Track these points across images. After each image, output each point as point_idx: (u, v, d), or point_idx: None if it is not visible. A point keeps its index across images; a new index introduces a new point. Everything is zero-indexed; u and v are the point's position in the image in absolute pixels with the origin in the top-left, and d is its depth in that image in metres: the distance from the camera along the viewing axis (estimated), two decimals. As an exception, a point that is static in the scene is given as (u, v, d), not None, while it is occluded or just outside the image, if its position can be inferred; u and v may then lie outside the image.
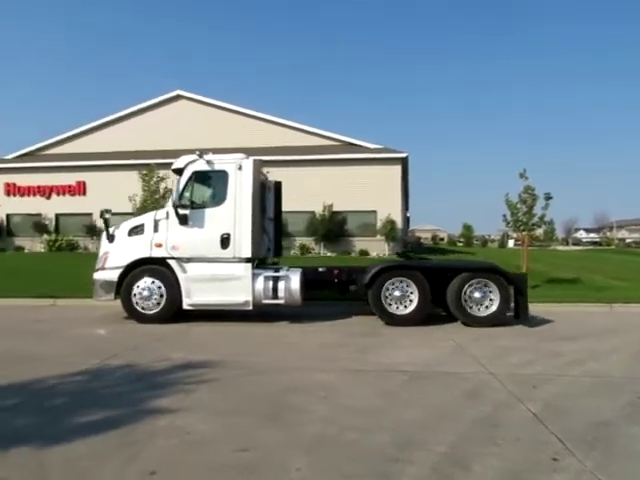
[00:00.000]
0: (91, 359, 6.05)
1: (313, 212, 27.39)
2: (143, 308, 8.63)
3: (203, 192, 9.02)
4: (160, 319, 8.52)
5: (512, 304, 8.57)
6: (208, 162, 8.72)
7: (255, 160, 8.85)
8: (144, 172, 18.11)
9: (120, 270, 8.67)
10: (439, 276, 8.74)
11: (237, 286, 8.46)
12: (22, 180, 30.77)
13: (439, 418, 4.17)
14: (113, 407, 4.37)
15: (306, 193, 27.22)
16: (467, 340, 7.34)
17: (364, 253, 26.36)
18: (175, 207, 8.55)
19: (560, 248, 61.87)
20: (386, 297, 8.53)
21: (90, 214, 29.57)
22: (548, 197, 12.97)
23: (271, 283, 8.55)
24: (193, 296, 8.51)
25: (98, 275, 8.86)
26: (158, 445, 3.61)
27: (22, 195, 30.80)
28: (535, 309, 9.38)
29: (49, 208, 30.41)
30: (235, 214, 8.54)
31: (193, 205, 8.62)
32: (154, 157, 24.87)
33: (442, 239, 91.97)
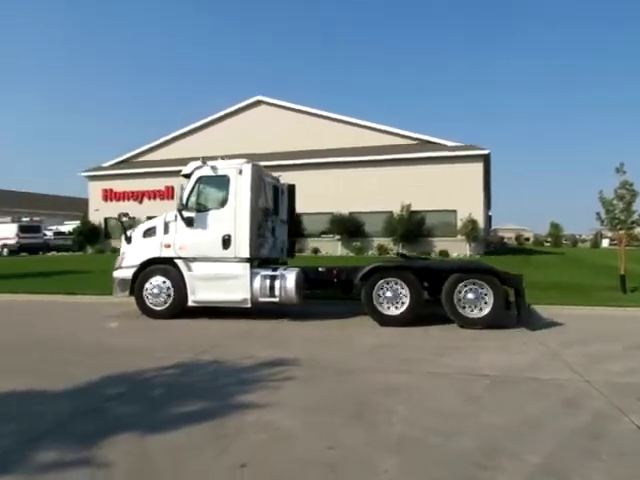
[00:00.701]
0: (184, 354, 6.39)
1: (391, 212, 27.18)
2: (154, 305, 9.19)
3: (207, 196, 9.41)
4: (168, 315, 9.05)
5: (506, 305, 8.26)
6: (212, 168, 9.15)
7: (254, 165, 9.12)
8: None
9: (134, 269, 9.32)
10: (433, 277, 8.58)
11: (236, 284, 8.84)
12: (118, 186, 33.18)
13: (530, 426, 3.98)
14: (206, 400, 4.59)
15: (384, 193, 27.12)
16: (553, 344, 6.93)
17: (444, 254, 25.75)
18: (179, 210, 9.06)
19: (662, 248, 56.79)
20: (378, 297, 8.47)
21: (178, 217, 31.29)
22: (650, 192, 11.96)
23: (268, 282, 8.79)
24: (197, 293, 8.99)
25: (116, 273, 9.56)
26: (248, 439, 3.74)
27: (118, 200, 33.19)
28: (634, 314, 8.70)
29: (141, 212, 32.39)
30: (235, 216, 8.90)
31: (199, 208, 9.12)
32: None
33: (527, 239, 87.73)
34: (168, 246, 9.17)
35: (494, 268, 8.48)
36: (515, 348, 6.86)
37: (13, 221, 32.52)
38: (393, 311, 8.42)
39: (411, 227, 26.65)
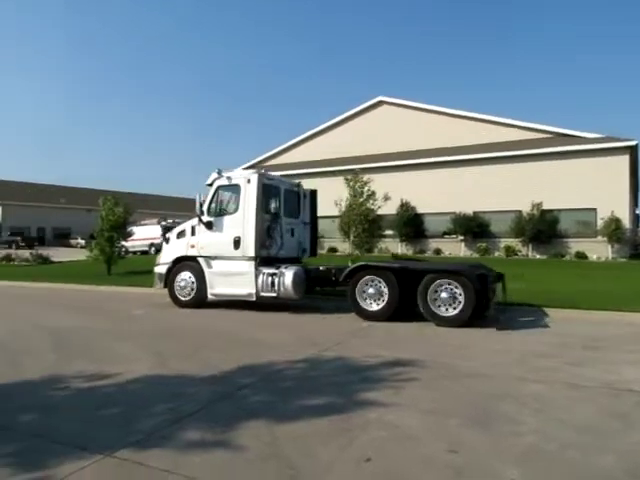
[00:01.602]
0: (309, 349, 6.71)
1: (520, 211, 25.60)
2: (181, 295, 10.71)
3: (224, 202, 10.52)
4: (193, 305, 10.46)
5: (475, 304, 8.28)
6: (227, 178, 10.38)
7: (260, 174, 10.21)
8: (348, 177, 19.14)
9: (167, 265, 10.96)
10: (411, 277, 8.84)
11: (244, 280, 9.96)
12: (247, 189, 35.36)
13: (685, 450, 3.56)
14: (331, 395, 4.78)
15: (512, 191, 25.65)
16: None
17: (581, 256, 23.64)
18: (198, 216, 10.44)
19: None
20: (362, 293, 9.14)
21: (302, 218, 32.53)
22: None
23: (270, 279, 9.78)
24: (215, 288, 10.33)
25: (156, 269, 11.29)
26: (371, 435, 3.84)
27: (248, 203, 35.38)
28: None
29: (268, 213, 34.30)
30: (244, 220, 10.00)
31: (217, 213, 10.40)
32: (359, 162, 26.20)
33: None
34: (193, 246, 10.61)
35: (465, 268, 8.76)
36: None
37: (159, 222, 36.25)
38: (374, 307, 9.04)
39: (542, 227, 24.82)
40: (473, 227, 26.62)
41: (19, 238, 49.97)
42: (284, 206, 10.92)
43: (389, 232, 28.21)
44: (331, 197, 24.00)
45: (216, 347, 7.00)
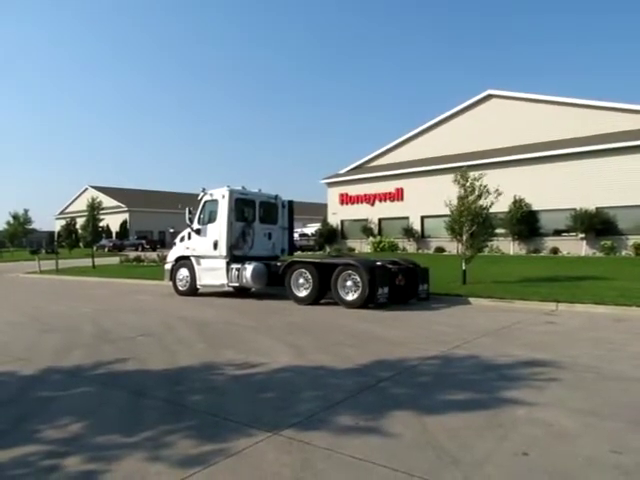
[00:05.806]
0: (438, 347, 6.78)
1: (653, 205, 23.29)
2: (180, 286, 13.64)
3: (208, 214, 13.19)
4: (188, 294, 13.32)
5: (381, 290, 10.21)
6: (210, 194, 13.10)
7: (231, 190, 12.76)
8: (457, 175, 18.65)
9: (171, 263, 14.00)
10: (327, 270, 10.89)
11: (219, 274, 12.73)
12: (352, 190, 35.80)
13: None
14: (471, 391, 4.85)
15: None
16: None
17: None
18: (188, 225, 13.34)
19: None
20: (296, 283, 11.42)
21: (407, 218, 32.27)
22: None
23: (236, 272, 12.34)
24: (202, 280, 13.20)
25: (165, 266, 14.52)
26: (523, 431, 3.86)
27: (352, 203, 35.79)
28: None
29: (373, 213, 34.46)
30: (220, 227, 12.67)
31: (203, 222, 13.15)
32: (468, 159, 25.50)
33: None
34: (187, 248, 13.51)
35: (362, 262, 10.71)
36: None
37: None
38: (303, 293, 11.30)
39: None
40: (596, 224, 24.69)
41: (144, 241, 55.05)
42: (261, 215, 13.52)
43: (500, 231, 27.06)
44: (438, 196, 23.61)
45: (353, 342, 7.26)
